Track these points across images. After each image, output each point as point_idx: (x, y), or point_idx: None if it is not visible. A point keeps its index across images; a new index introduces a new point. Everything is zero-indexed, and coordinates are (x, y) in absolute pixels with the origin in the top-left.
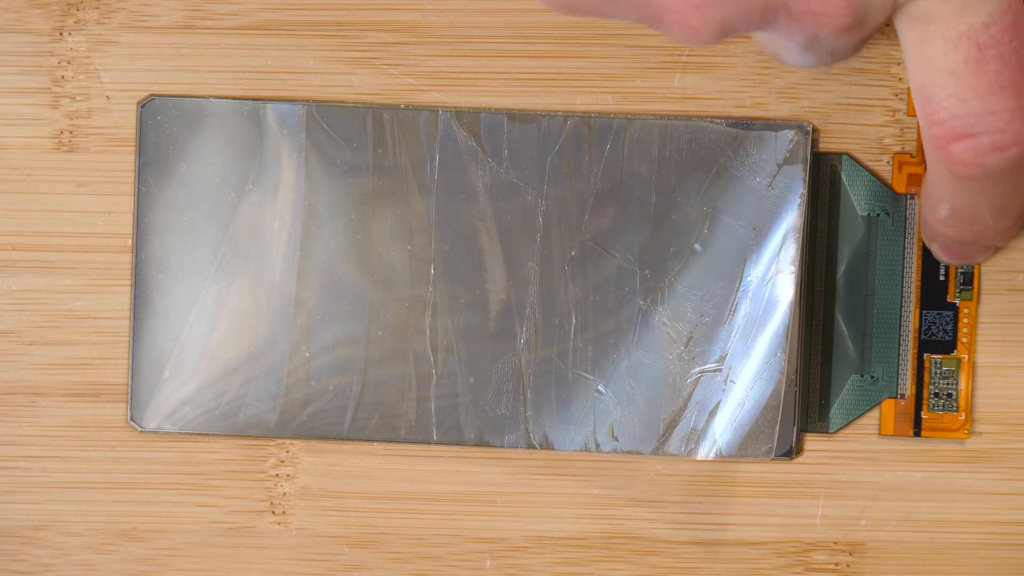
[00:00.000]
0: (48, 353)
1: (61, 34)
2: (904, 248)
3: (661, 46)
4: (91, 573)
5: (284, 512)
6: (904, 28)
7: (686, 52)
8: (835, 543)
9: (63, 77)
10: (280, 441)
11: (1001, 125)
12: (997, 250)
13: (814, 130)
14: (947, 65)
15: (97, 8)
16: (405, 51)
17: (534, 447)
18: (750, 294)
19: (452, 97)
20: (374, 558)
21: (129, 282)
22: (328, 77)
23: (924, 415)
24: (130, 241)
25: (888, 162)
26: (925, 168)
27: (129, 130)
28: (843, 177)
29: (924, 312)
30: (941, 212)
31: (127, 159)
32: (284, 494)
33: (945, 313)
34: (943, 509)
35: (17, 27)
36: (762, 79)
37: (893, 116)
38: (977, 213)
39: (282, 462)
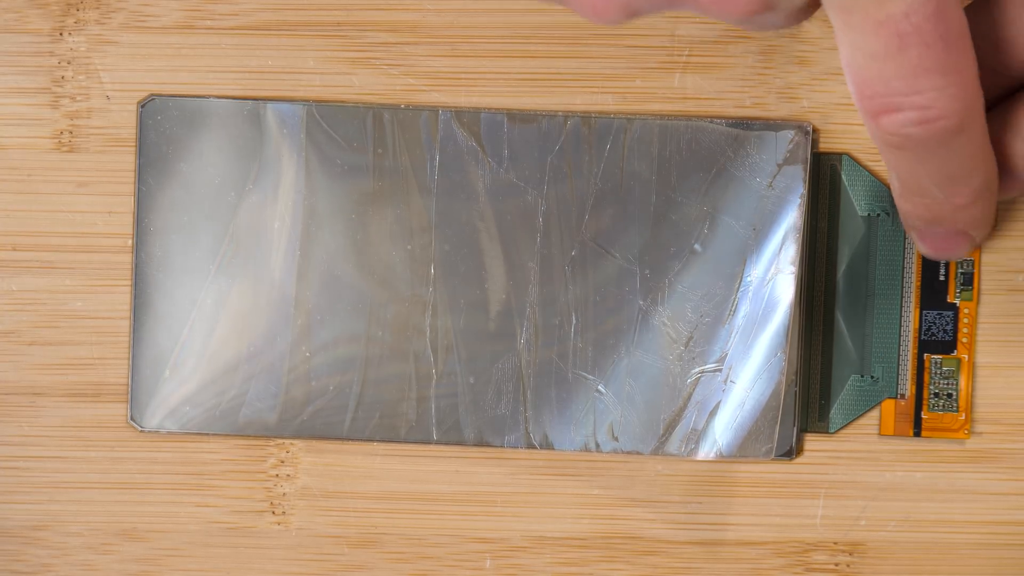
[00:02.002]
0: (48, 353)
1: (61, 34)
2: (904, 248)
3: (661, 46)
4: (91, 573)
5: (284, 512)
6: (829, 11)
7: (686, 52)
8: (835, 543)
9: (63, 77)
10: (280, 441)
11: (926, 102)
12: (977, 246)
13: (814, 130)
14: (870, 50)
15: (97, 8)
16: (405, 51)
17: (534, 447)
18: (750, 294)
19: (452, 97)
20: (374, 558)
21: (129, 282)
22: (328, 77)
23: (924, 415)
24: (130, 241)
25: None
26: None
27: (129, 130)
28: (843, 177)
29: (924, 312)
30: (893, 184)
31: (127, 159)
32: (284, 494)
33: (945, 313)
34: (943, 509)
35: (17, 27)
36: (762, 79)
37: None
38: (922, 185)
39: (282, 462)
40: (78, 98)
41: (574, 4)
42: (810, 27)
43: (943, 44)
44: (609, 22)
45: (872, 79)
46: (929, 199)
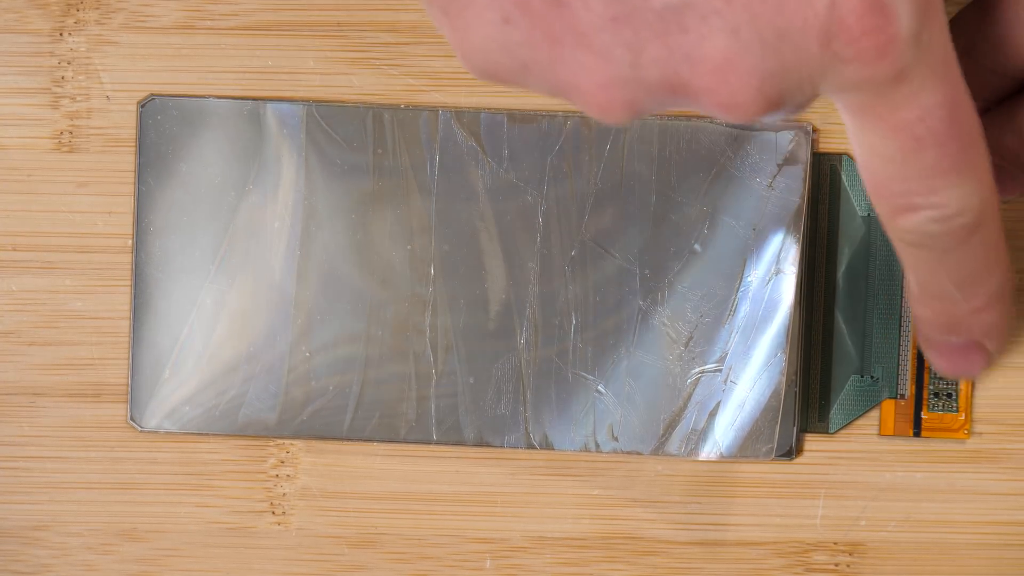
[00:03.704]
0: (48, 353)
1: (61, 34)
2: None
3: None
4: (91, 573)
5: (284, 512)
6: (843, 114)
7: None
8: (835, 543)
9: (63, 77)
10: (280, 441)
11: (943, 201)
12: (992, 363)
13: (814, 130)
14: (886, 153)
15: (97, 8)
16: (405, 51)
17: (534, 447)
18: (750, 294)
19: (452, 97)
20: (374, 558)
21: (129, 282)
22: (328, 77)
23: (924, 415)
24: (130, 241)
25: None
26: None
27: (129, 130)
28: (843, 177)
29: None
30: (911, 287)
31: (127, 159)
32: (284, 494)
33: None
34: (943, 509)
35: (17, 27)
36: None
37: None
38: (941, 287)
39: (282, 462)
40: (78, 98)
41: (580, 103)
42: None
43: (958, 145)
44: (616, 121)
45: (889, 180)
46: (947, 302)
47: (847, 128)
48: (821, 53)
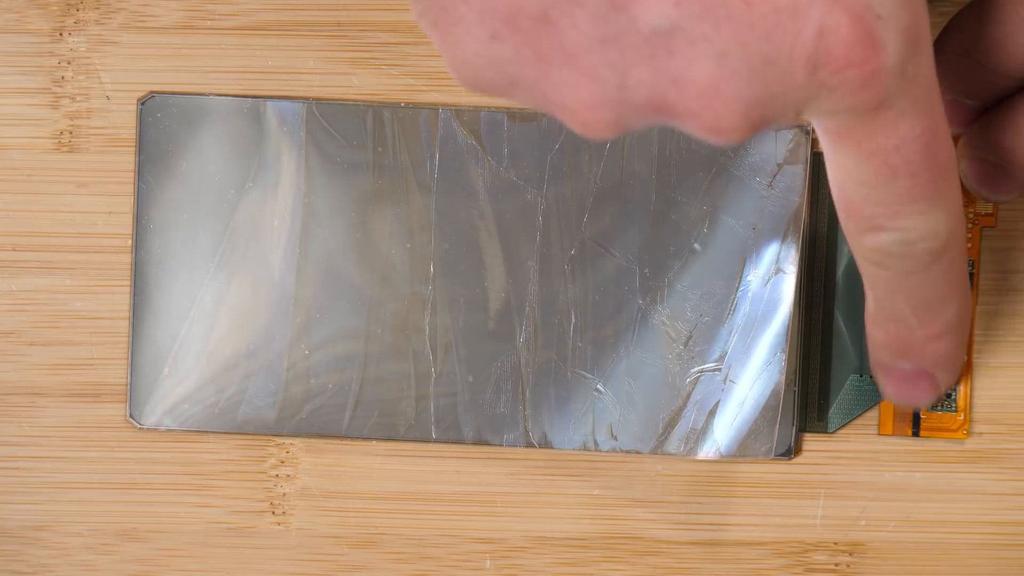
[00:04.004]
0: (48, 353)
1: (61, 34)
2: None
3: None
4: (91, 573)
5: (284, 512)
6: (821, 136)
7: None
8: (835, 543)
9: (63, 77)
10: (280, 441)
11: (909, 225)
12: (940, 396)
13: (814, 130)
14: (859, 176)
15: (97, 8)
16: (405, 51)
17: (533, 446)
18: (750, 294)
19: (452, 96)
20: (374, 558)
21: (129, 282)
22: (328, 77)
23: (923, 415)
24: (130, 241)
25: None
26: None
27: (129, 131)
28: None
29: None
30: (869, 306)
31: (127, 159)
32: (284, 494)
33: None
34: (943, 509)
35: (17, 27)
36: None
37: None
38: (897, 309)
39: (282, 462)
40: (78, 98)
41: (566, 120)
42: None
43: (930, 176)
44: (601, 138)
45: (860, 202)
46: (902, 326)
47: (823, 147)
48: (807, 81)
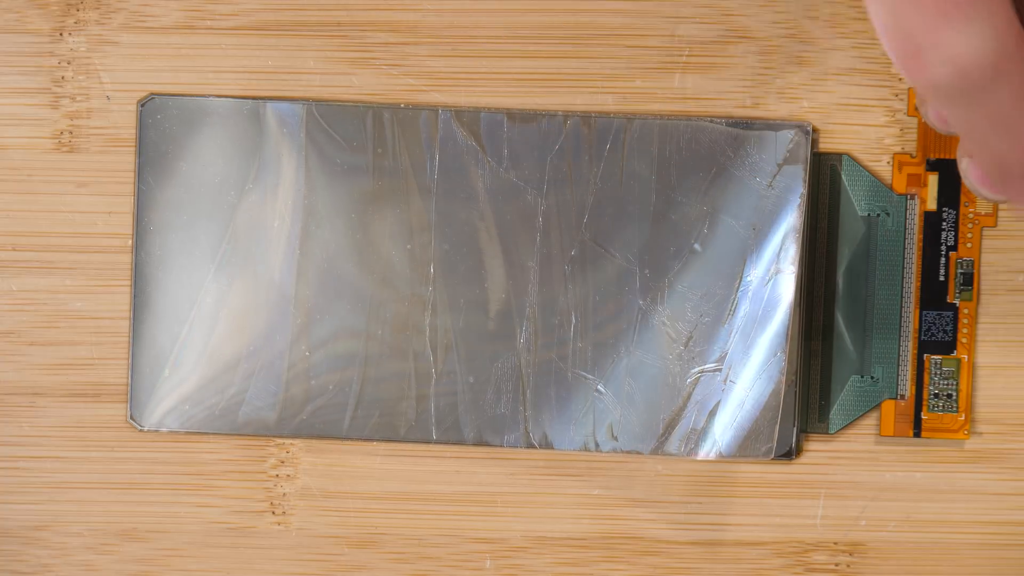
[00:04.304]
0: (48, 353)
1: (61, 34)
2: (904, 248)
3: (661, 46)
4: (91, 573)
5: (284, 512)
6: None
7: (686, 52)
8: (835, 543)
9: (63, 77)
10: (280, 441)
11: (942, 41)
12: None
13: (814, 130)
14: (890, 4)
15: (97, 8)
16: (405, 51)
17: (533, 446)
18: (750, 294)
19: (452, 97)
20: (374, 558)
21: (129, 282)
22: (328, 77)
23: (924, 416)
24: (130, 241)
25: (888, 162)
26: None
27: (129, 130)
28: (843, 177)
29: (924, 312)
30: (952, 128)
31: (127, 159)
32: (284, 494)
33: (945, 313)
34: (943, 509)
35: (17, 27)
36: (762, 79)
37: (893, 116)
38: (980, 130)
39: (282, 462)
40: (78, 98)
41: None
42: (810, 27)
43: None
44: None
45: (896, 31)
46: (991, 147)
47: None
48: None
